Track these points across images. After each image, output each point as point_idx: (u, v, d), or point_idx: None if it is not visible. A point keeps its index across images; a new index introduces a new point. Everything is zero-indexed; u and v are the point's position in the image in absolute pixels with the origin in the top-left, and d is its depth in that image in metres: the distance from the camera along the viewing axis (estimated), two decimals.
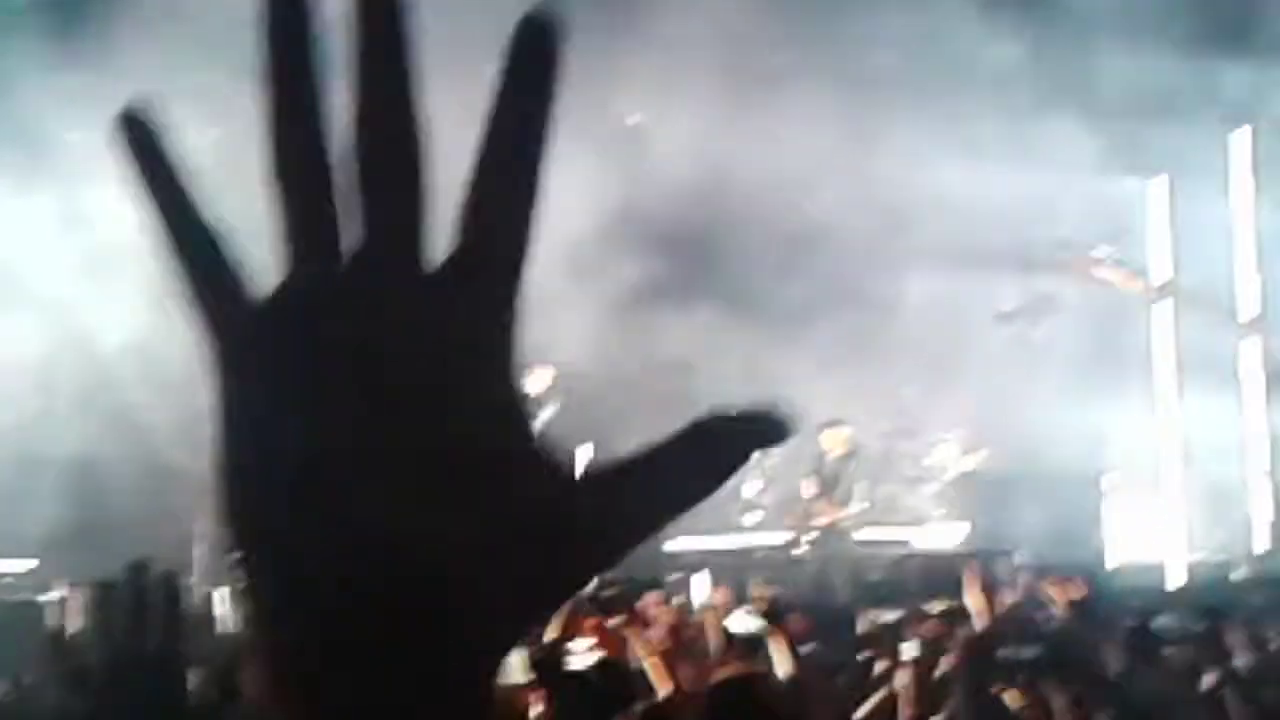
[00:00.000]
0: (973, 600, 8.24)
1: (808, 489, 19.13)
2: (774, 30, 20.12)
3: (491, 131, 0.94)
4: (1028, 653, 6.08)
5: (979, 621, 8.03)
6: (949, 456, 21.64)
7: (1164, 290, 21.21)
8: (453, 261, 0.94)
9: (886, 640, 8.19)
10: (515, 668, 6.46)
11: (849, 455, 19.05)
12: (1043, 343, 20.90)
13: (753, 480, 22.05)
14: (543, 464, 0.95)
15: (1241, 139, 21.39)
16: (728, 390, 21.56)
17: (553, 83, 0.94)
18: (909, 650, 7.41)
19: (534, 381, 19.98)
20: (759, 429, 0.99)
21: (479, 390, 0.93)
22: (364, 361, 0.91)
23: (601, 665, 7.49)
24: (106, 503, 18.47)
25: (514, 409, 0.94)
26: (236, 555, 0.93)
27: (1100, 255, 20.95)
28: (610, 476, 0.97)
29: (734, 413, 0.98)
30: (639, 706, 6.32)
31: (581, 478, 0.95)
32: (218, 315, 0.94)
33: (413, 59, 0.95)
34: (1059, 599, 9.08)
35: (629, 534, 0.97)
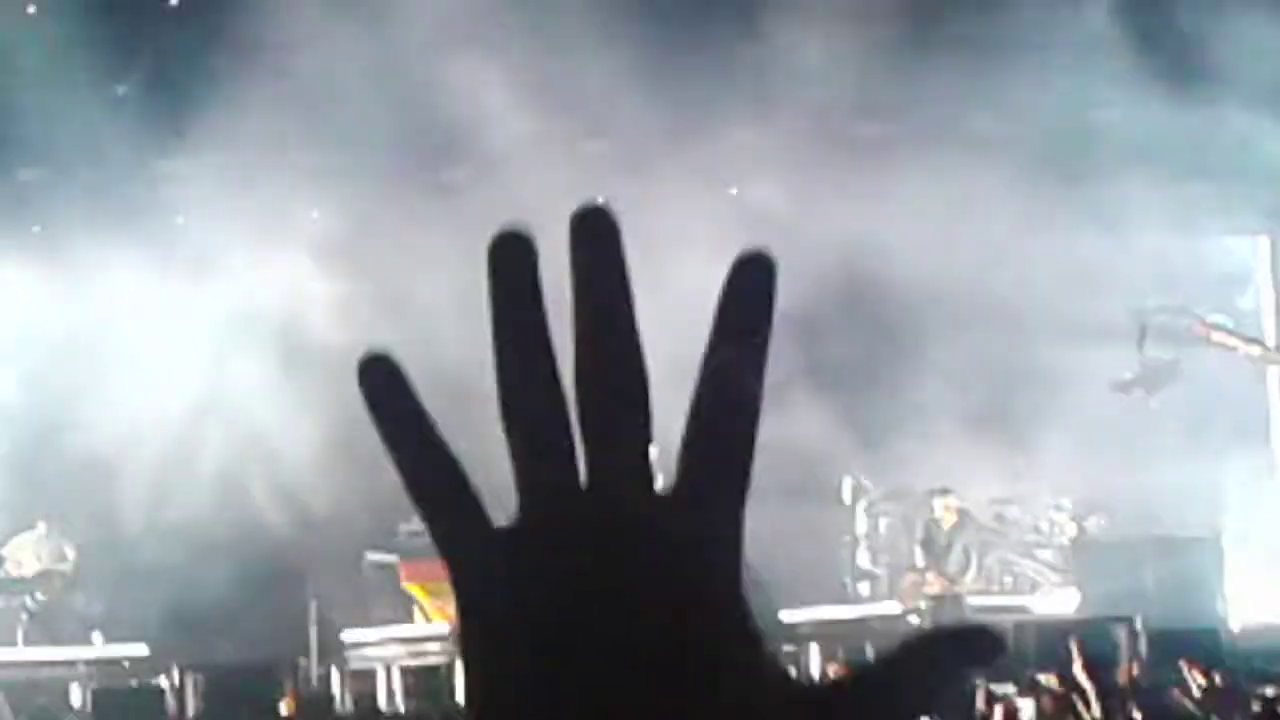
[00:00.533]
0: (1083, 679, 8.14)
1: (919, 558, 18.99)
2: (874, 97, 20.14)
3: (710, 369, 0.98)
4: None
5: (1092, 698, 7.92)
6: (1062, 521, 21.44)
7: (1273, 350, 20.98)
8: (680, 488, 0.97)
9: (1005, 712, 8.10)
10: None
11: (960, 523, 18.92)
12: (1157, 407, 20.69)
13: (865, 549, 21.96)
14: (775, 689, 0.96)
15: None
16: (846, 461, 21.54)
17: (769, 325, 0.98)
18: (1026, 709, 7.34)
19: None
20: (971, 648, 0.98)
21: (717, 616, 0.96)
22: (604, 590, 0.95)
23: None
24: (217, 586, 18.62)
25: (751, 635, 0.96)
26: None
27: (1217, 321, 20.75)
28: (826, 697, 0.98)
29: (946, 632, 0.99)
30: None
31: (799, 699, 0.96)
32: (461, 547, 0.98)
33: (627, 288, 0.98)
34: (1199, 679, 8.91)
35: None
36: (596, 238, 0.98)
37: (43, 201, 20.51)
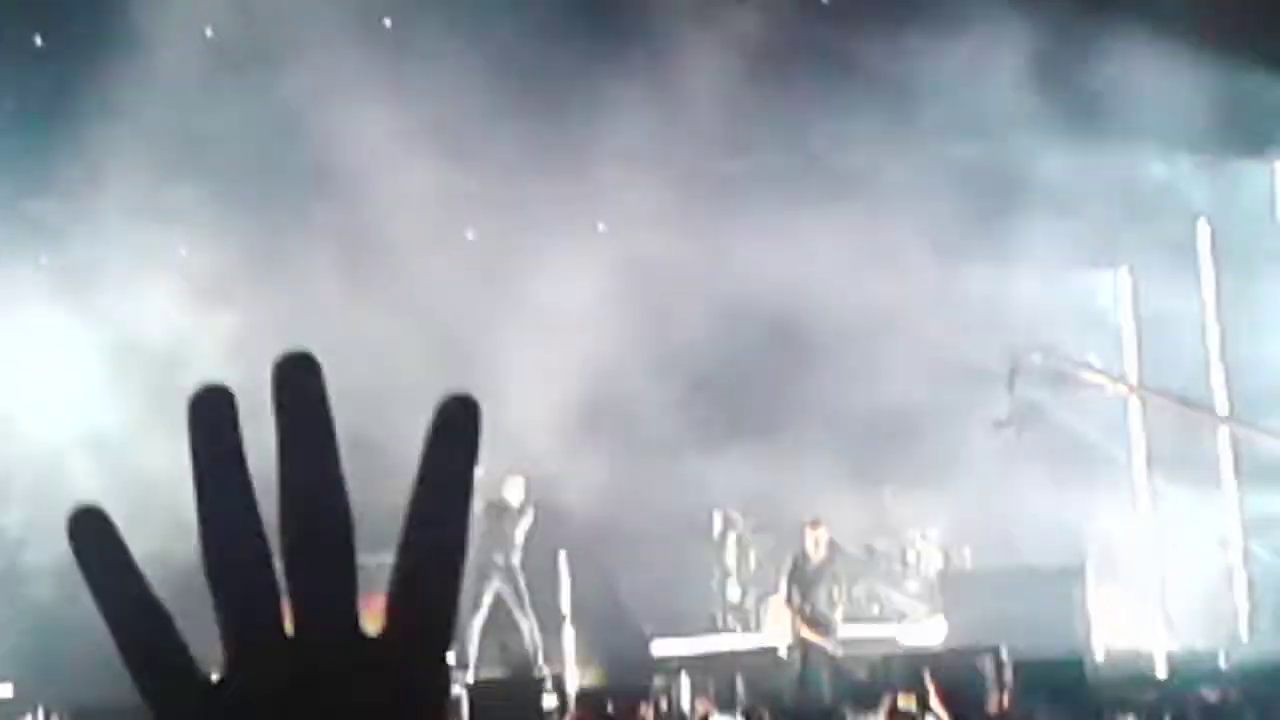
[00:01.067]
0: (940, 712, 8.23)
1: (784, 589, 19.05)
2: (738, 134, 20.28)
3: (416, 511, 1.01)
4: None
5: None
6: (929, 552, 21.65)
7: (1139, 388, 21.27)
8: (387, 633, 1.00)
9: None
10: None
11: (829, 556, 19.03)
12: (1025, 444, 20.89)
13: (735, 583, 22.06)
14: None
15: (1203, 230, 21.56)
16: (716, 495, 21.64)
17: (472, 461, 1.01)
18: None
19: (510, 491, 20.03)
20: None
21: None
22: None
23: None
24: (90, 625, 18.37)
25: None
26: None
27: (1087, 361, 21.00)
28: None
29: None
30: None
31: None
32: (169, 697, 0.98)
33: (332, 440, 0.99)
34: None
35: None
36: (298, 386, 0.99)
37: None
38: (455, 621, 1.01)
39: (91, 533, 0.98)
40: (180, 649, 0.98)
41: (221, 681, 0.98)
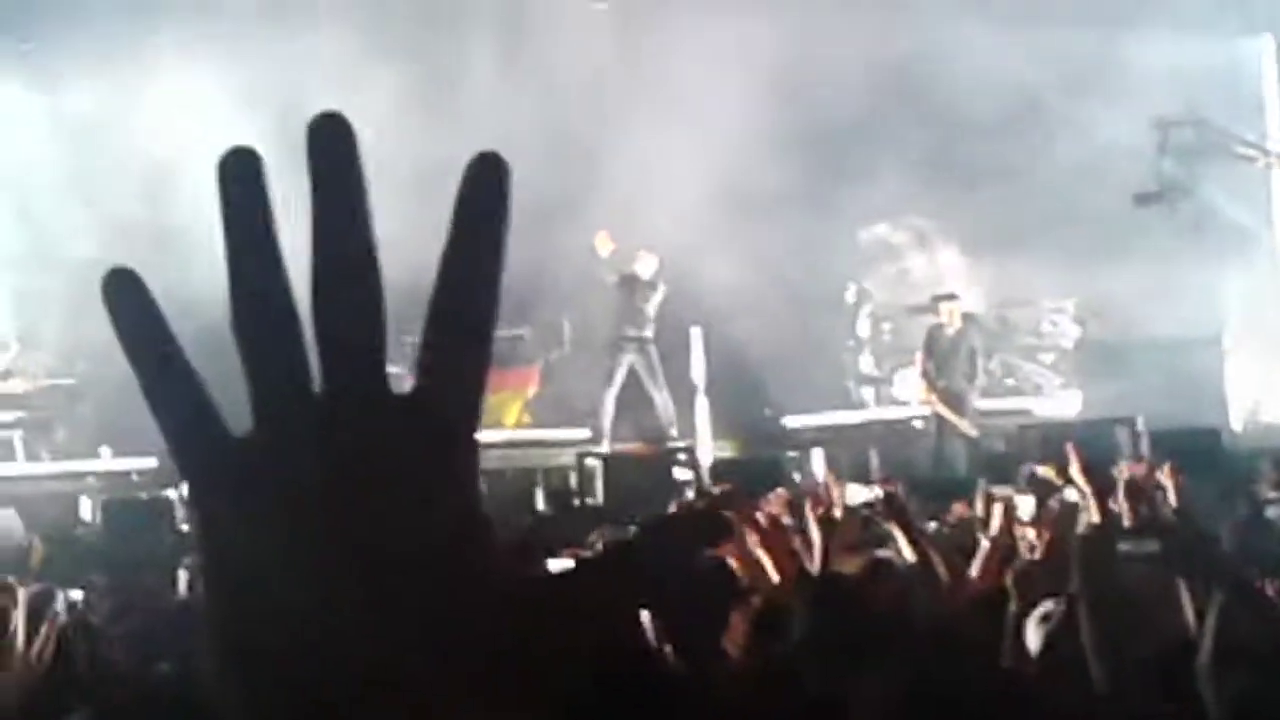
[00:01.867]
0: (1081, 482, 8.12)
1: (923, 366, 18.97)
2: None
3: (445, 274, 1.00)
4: (1149, 546, 6.00)
5: (1091, 507, 7.91)
6: (1064, 324, 21.49)
7: (1267, 153, 20.81)
8: (414, 395, 1.00)
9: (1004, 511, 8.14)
10: None
11: (964, 328, 18.92)
12: (1170, 215, 20.57)
13: (868, 354, 22.04)
14: (491, 582, 0.98)
15: None
16: (850, 268, 21.56)
17: (504, 224, 1.00)
18: (1025, 507, 7.38)
19: (643, 266, 20.05)
20: (704, 532, 1.03)
21: (434, 511, 0.97)
22: (333, 489, 0.96)
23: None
24: (225, 395, 18.68)
25: (470, 525, 0.99)
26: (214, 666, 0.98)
27: (1237, 134, 20.52)
28: (552, 589, 1.01)
29: (681, 519, 1.02)
30: (753, 598, 6.29)
31: (526, 595, 0.99)
32: (198, 454, 1.00)
33: (365, 197, 0.99)
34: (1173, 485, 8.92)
35: (554, 655, 0.99)
36: (332, 145, 0.98)
37: None
38: (484, 387, 1.01)
39: (123, 290, 1.00)
40: (208, 405, 1.00)
41: (245, 438, 0.99)
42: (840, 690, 3.58)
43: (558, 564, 7.49)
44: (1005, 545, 6.53)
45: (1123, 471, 9.00)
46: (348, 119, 0.99)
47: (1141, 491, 8.42)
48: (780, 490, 9.59)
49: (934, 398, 18.66)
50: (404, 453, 0.97)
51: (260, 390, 0.98)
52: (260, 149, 0.99)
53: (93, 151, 20.21)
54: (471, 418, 1.00)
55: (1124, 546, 5.96)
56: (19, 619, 6.95)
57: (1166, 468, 9.21)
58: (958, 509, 9.33)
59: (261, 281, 0.98)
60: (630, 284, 20.05)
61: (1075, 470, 7.85)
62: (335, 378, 0.98)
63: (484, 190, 1.00)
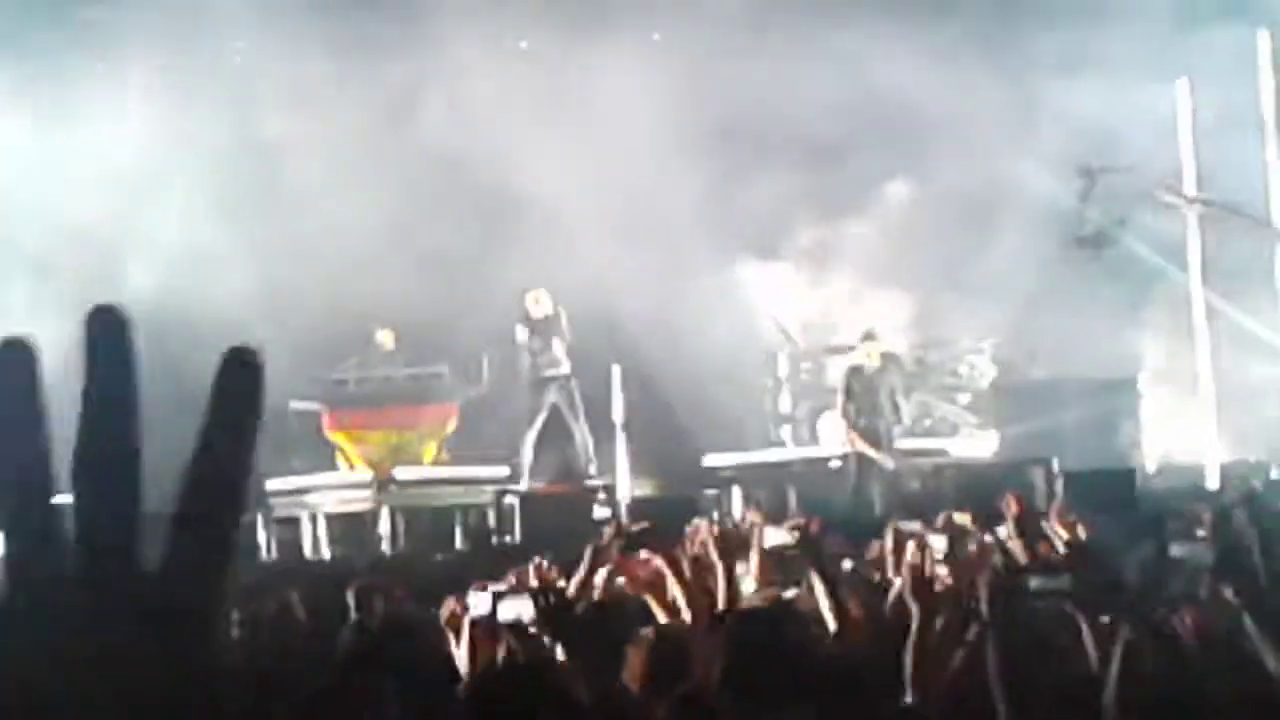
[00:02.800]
0: (1012, 529, 8.21)
1: (843, 405, 19.01)
2: None
3: (200, 455, 1.04)
4: (1060, 583, 6.07)
5: (1017, 550, 7.99)
6: (982, 365, 21.61)
7: (1196, 200, 20.98)
8: (167, 561, 1.04)
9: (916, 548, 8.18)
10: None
11: (884, 367, 18.99)
12: (1097, 265, 20.74)
13: (787, 394, 22.10)
14: None
15: (1264, 40, 21.18)
16: (756, 296, 21.66)
17: (251, 416, 1.05)
18: (938, 545, 7.42)
19: (537, 308, 20.21)
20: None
21: (154, 678, 1.02)
22: (81, 655, 1.01)
23: (601, 604, 7.55)
24: None
25: (184, 690, 1.02)
26: None
27: (1168, 182, 20.69)
28: None
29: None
30: (647, 633, 6.32)
31: None
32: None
33: (134, 379, 1.04)
34: (1066, 535, 9.01)
35: None
36: (107, 332, 1.03)
37: None
38: (224, 571, 1.05)
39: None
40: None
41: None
42: None
43: (475, 598, 7.51)
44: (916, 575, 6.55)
45: (1010, 506, 9.10)
46: (119, 311, 1.04)
47: (1038, 530, 8.54)
48: (698, 521, 9.60)
49: (854, 436, 18.72)
50: (147, 622, 1.02)
51: (12, 561, 1.02)
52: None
53: None
54: (204, 599, 1.04)
55: (1035, 582, 6.02)
56: None
57: (1054, 514, 9.32)
58: (876, 546, 9.37)
59: (21, 456, 1.02)
60: (533, 327, 20.16)
61: (1010, 520, 7.97)
62: (87, 552, 1.02)
63: (237, 382, 1.04)
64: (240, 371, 1.04)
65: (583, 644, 6.05)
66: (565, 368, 20.26)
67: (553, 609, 6.38)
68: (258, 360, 1.05)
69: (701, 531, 8.30)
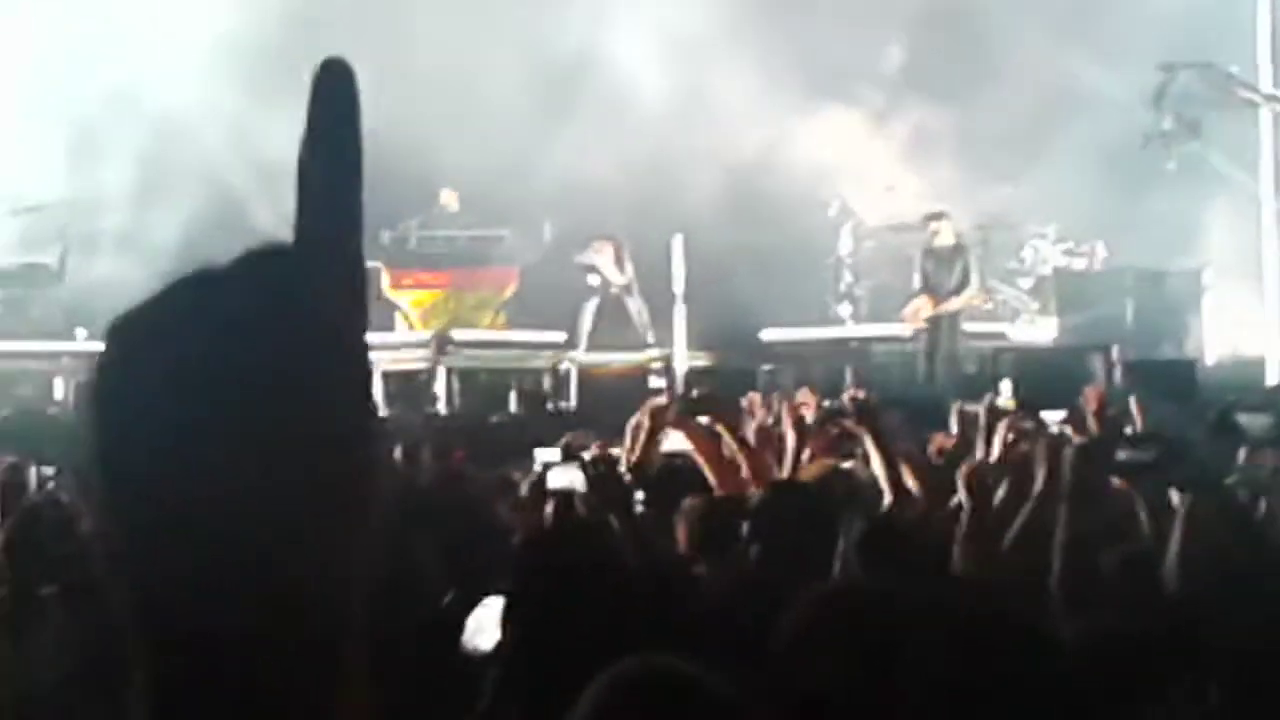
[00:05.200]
0: (1092, 419, 8.20)
1: (918, 282, 18.84)
2: None
3: (304, 165, 1.05)
4: (1146, 454, 6.05)
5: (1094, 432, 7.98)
6: (1045, 250, 21.46)
7: (1272, 98, 20.68)
8: (296, 245, 1.04)
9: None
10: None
11: (957, 245, 18.84)
12: (1173, 166, 20.50)
13: (848, 271, 22.02)
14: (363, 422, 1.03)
15: None
16: (835, 182, 21.58)
17: (353, 123, 1.06)
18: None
19: (601, 260, 20.24)
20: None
21: (316, 363, 1.01)
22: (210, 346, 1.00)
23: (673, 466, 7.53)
24: None
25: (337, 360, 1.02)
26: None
27: (1242, 78, 20.38)
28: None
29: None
30: (696, 501, 6.32)
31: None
32: None
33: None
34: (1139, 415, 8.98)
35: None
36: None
37: None
38: (360, 240, 1.05)
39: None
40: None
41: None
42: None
43: (544, 453, 7.51)
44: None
45: (1090, 401, 9.07)
46: (347, 67, 1.05)
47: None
48: (753, 395, 9.58)
49: (929, 303, 18.53)
50: (290, 304, 1.01)
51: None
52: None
53: None
54: (349, 270, 1.04)
55: (1121, 454, 6.01)
56: None
57: (1133, 400, 9.29)
58: (939, 439, 9.28)
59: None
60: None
61: (1090, 412, 7.98)
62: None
63: (328, 94, 1.05)
64: (329, 81, 1.05)
65: (633, 510, 6.06)
66: (624, 279, 20.34)
67: (604, 476, 6.38)
68: (346, 68, 1.05)
69: (772, 403, 8.31)
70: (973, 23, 20.70)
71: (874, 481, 6.72)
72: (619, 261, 20.30)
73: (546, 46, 20.54)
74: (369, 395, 1.04)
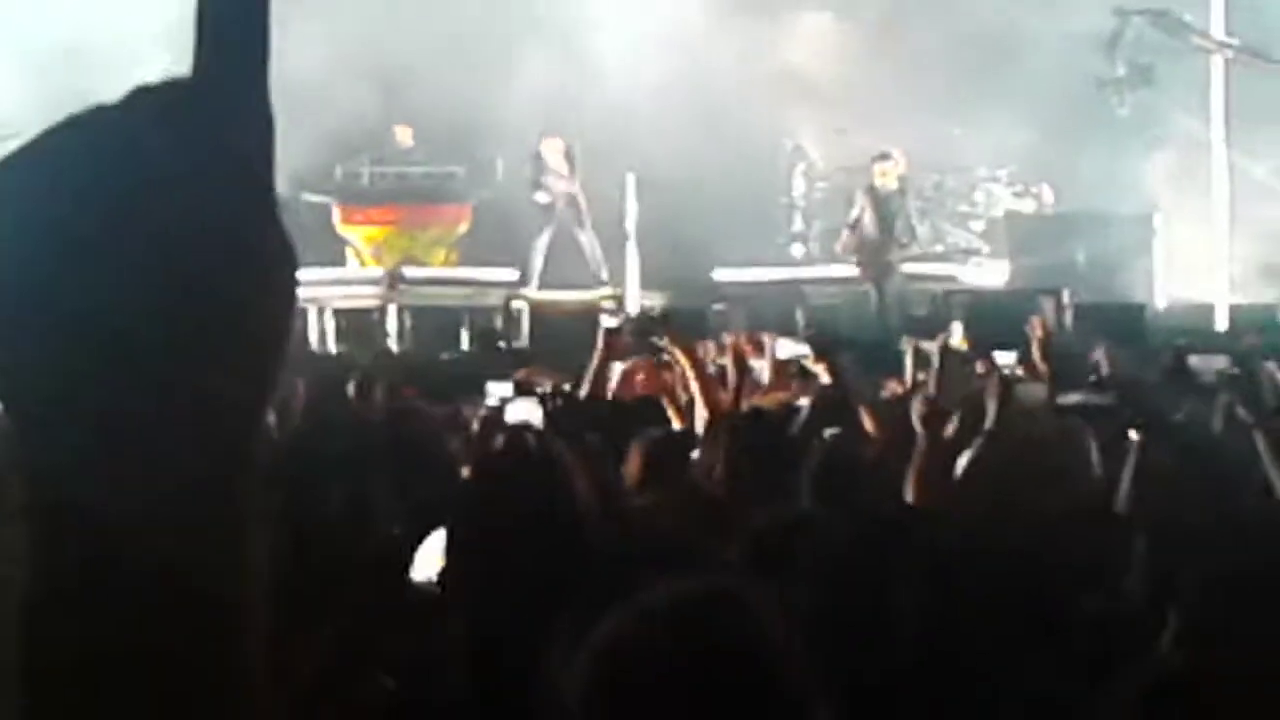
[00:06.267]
0: (1037, 350, 8.23)
1: (861, 221, 18.86)
2: None
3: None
4: (1105, 399, 6.12)
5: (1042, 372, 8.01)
6: (997, 193, 21.52)
7: (1224, 44, 20.71)
8: (198, 70, 0.95)
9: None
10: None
11: (901, 188, 18.85)
12: (1125, 112, 20.48)
13: (799, 213, 22.04)
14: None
15: None
16: (787, 125, 21.56)
17: None
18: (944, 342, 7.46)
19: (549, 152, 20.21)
20: None
21: (241, 189, 0.94)
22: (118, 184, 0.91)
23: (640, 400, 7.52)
24: None
25: (247, 194, 0.94)
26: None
27: (1191, 23, 20.37)
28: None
29: None
30: (656, 432, 6.33)
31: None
32: None
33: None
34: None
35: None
36: None
37: None
38: (267, 54, 0.97)
39: None
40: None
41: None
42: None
43: (496, 388, 7.50)
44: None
45: (1035, 328, 9.12)
46: None
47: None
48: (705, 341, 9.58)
49: (870, 248, 18.54)
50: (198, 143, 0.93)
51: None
52: None
53: None
54: (254, 92, 0.96)
55: (1075, 397, 6.05)
56: None
57: (1101, 350, 9.36)
58: (892, 386, 9.30)
59: None
60: (544, 168, 20.23)
61: (1035, 350, 8.01)
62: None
63: None
64: None
65: (586, 440, 6.06)
66: (575, 185, 20.26)
67: (562, 410, 6.39)
68: None
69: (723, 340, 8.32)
70: None
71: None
72: (569, 159, 20.27)
73: None
74: (289, 251, 0.96)
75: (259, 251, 0.93)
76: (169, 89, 0.95)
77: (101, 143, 0.92)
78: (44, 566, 0.90)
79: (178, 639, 0.90)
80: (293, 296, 0.96)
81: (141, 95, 0.94)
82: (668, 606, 2.40)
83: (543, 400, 6.76)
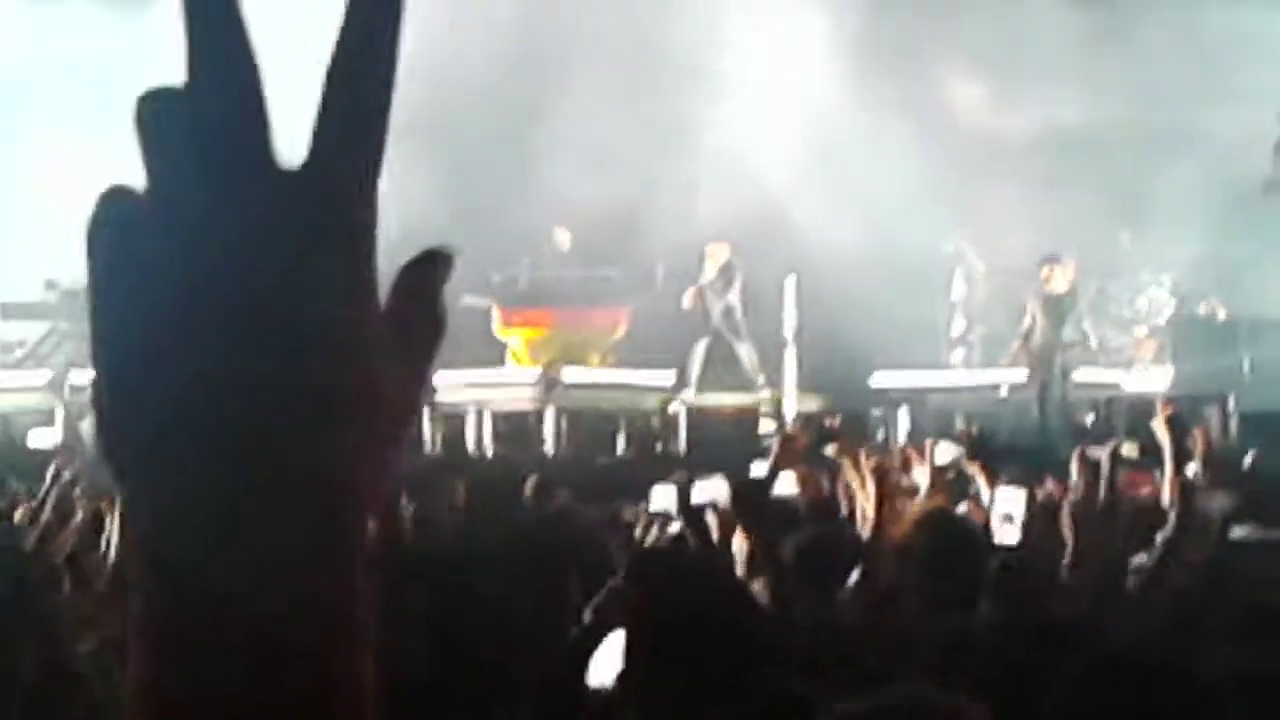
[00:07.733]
0: (1162, 431, 7.98)
1: (1031, 329, 18.65)
2: None
3: (343, 42, 0.93)
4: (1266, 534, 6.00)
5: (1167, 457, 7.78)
6: (1161, 298, 21.24)
7: None
8: (312, 157, 0.93)
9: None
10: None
11: (1073, 292, 18.65)
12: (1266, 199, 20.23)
13: (959, 317, 21.88)
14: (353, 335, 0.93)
15: None
16: (949, 225, 21.48)
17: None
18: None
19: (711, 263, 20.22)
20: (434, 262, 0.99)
21: (334, 279, 0.92)
22: (226, 253, 0.90)
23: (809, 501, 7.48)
24: None
25: (350, 284, 0.93)
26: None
27: None
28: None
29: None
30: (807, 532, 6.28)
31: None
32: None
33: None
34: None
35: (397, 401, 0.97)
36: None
37: None
38: (383, 146, 0.94)
39: None
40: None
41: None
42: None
43: (661, 490, 7.49)
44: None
45: (1198, 440, 8.91)
46: None
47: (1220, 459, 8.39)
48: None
49: (1036, 353, 18.37)
50: (291, 218, 0.92)
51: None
52: None
53: None
54: (365, 186, 0.94)
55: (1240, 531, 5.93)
56: None
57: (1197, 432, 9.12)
58: (1050, 486, 9.11)
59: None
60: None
61: (1159, 423, 7.75)
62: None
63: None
64: None
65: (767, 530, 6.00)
66: (733, 295, 20.25)
67: (751, 489, 6.31)
68: None
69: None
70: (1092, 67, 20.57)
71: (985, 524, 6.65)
72: (728, 271, 20.20)
73: (661, 90, 20.59)
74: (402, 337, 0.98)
75: (363, 338, 0.94)
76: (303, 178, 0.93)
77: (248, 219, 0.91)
78: (160, 636, 0.90)
79: (276, 696, 0.89)
80: (405, 387, 0.98)
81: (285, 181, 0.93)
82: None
83: (731, 480, 6.75)
